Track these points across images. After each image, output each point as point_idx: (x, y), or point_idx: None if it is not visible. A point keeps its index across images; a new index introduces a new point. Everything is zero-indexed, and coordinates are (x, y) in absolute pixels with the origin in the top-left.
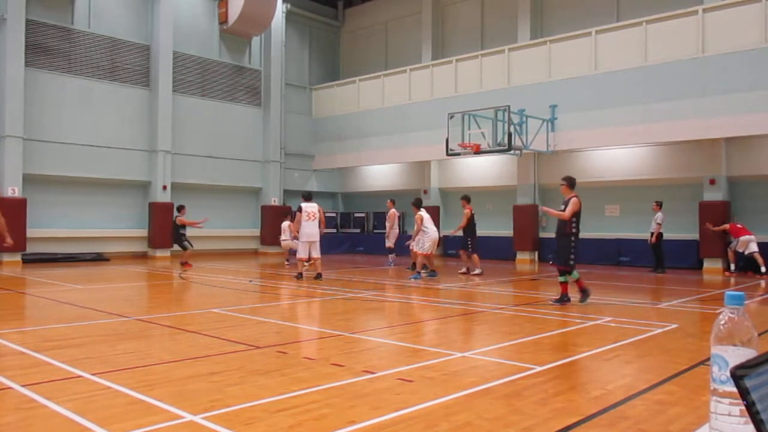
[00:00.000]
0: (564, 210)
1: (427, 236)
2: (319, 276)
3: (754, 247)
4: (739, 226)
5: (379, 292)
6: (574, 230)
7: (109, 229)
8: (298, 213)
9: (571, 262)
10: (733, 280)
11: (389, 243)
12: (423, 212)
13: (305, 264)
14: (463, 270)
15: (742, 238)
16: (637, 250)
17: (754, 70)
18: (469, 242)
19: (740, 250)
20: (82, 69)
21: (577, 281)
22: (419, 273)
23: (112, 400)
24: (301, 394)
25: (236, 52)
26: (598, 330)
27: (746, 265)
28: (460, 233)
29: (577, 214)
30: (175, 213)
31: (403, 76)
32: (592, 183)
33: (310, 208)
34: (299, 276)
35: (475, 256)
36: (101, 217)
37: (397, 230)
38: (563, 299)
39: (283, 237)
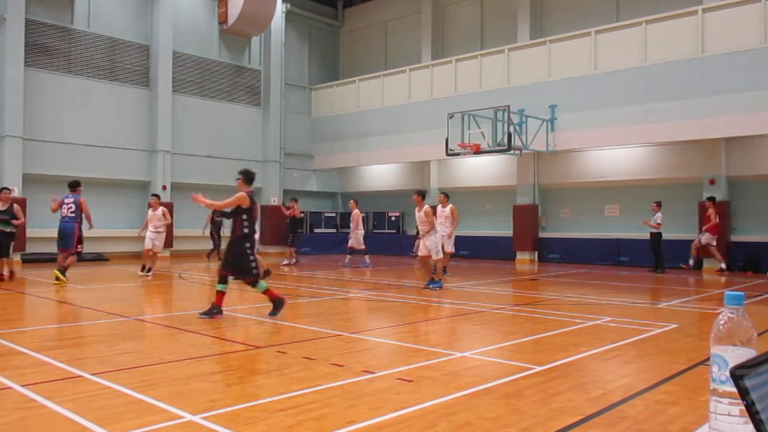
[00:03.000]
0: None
1: (437, 235)
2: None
3: (713, 243)
4: (717, 221)
5: (379, 292)
6: (246, 231)
7: (109, 229)
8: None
9: (255, 271)
10: (696, 271)
11: (352, 243)
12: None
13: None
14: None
15: (708, 234)
16: (636, 250)
17: (754, 70)
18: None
19: (704, 243)
20: (82, 69)
21: (266, 291)
22: (437, 279)
23: (112, 400)
24: (300, 393)
25: (236, 51)
26: (597, 330)
27: (746, 265)
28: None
29: (248, 212)
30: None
31: (402, 76)
32: (592, 183)
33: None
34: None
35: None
36: (101, 217)
37: (362, 230)
38: (213, 311)
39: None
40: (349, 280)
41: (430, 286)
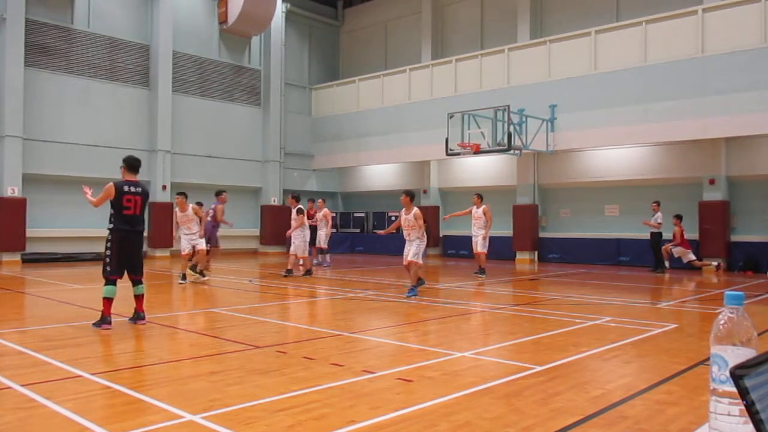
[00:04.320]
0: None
1: (424, 241)
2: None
3: (690, 257)
4: (685, 237)
5: (379, 291)
6: (111, 227)
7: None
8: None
9: (108, 268)
10: (667, 276)
11: (324, 243)
12: None
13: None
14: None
15: (681, 248)
16: (636, 250)
17: (754, 70)
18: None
19: (677, 256)
20: (82, 69)
21: (105, 300)
22: (413, 287)
23: (112, 400)
24: (300, 393)
25: (236, 51)
26: (597, 330)
27: (745, 265)
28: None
29: (115, 205)
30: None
31: (402, 76)
32: (592, 183)
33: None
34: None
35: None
36: (101, 216)
37: (330, 231)
38: (103, 320)
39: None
40: (349, 280)
41: (408, 295)
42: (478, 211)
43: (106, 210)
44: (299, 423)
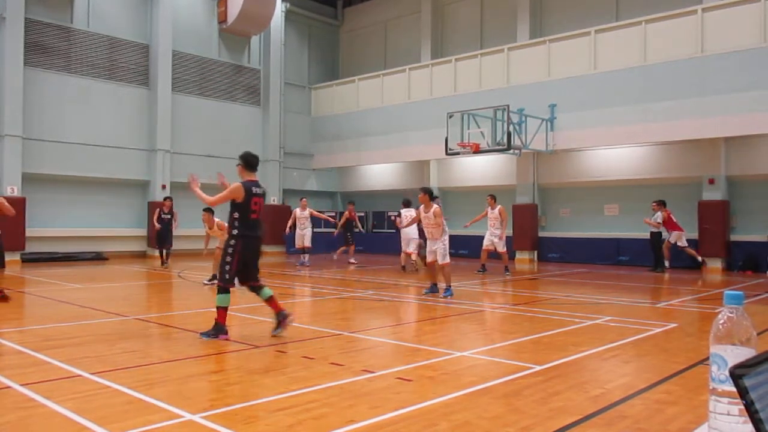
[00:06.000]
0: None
1: (446, 238)
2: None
3: (684, 242)
4: (674, 220)
5: (378, 291)
6: (236, 233)
7: (108, 228)
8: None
9: (227, 276)
10: (667, 275)
11: (306, 242)
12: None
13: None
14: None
15: (674, 232)
16: (636, 250)
17: (753, 69)
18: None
19: (673, 242)
20: (82, 68)
21: (219, 309)
22: (448, 287)
23: (111, 399)
24: (300, 393)
25: (235, 51)
26: (597, 329)
27: (745, 265)
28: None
29: (241, 208)
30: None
31: (402, 76)
32: (592, 182)
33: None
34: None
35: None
36: (100, 216)
37: (311, 231)
38: (219, 330)
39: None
40: (349, 279)
41: (445, 295)
42: (494, 212)
43: (105, 210)
44: (299, 422)
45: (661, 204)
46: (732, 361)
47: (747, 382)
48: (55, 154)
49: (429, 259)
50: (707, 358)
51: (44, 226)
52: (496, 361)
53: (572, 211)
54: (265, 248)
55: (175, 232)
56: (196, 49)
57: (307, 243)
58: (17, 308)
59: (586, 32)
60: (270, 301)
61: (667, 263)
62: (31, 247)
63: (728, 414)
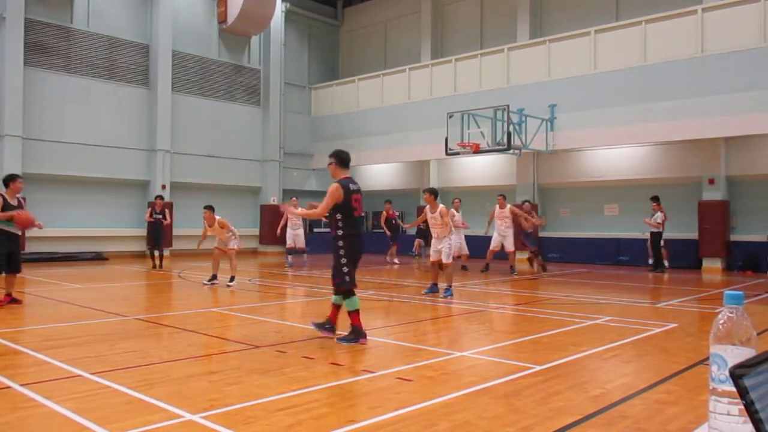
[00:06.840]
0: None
1: (453, 238)
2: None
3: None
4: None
5: (378, 291)
6: (341, 233)
7: (108, 228)
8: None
9: (347, 278)
10: (667, 275)
11: (301, 243)
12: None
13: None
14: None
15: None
16: (635, 250)
17: (753, 69)
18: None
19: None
20: (82, 68)
21: (351, 314)
22: (448, 287)
23: (111, 399)
24: (300, 393)
25: (235, 51)
26: (597, 329)
27: (745, 265)
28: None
29: (343, 208)
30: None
31: (402, 76)
32: (591, 182)
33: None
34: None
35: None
36: (100, 216)
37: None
38: (358, 334)
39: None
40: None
41: (445, 295)
42: (504, 212)
43: (105, 210)
44: (299, 422)
45: (655, 199)
46: (732, 361)
47: (747, 382)
48: (55, 154)
49: (433, 258)
50: (707, 358)
51: (44, 226)
52: (496, 361)
53: (572, 211)
54: (265, 248)
55: (175, 232)
56: (196, 49)
57: (302, 244)
58: (17, 308)
59: (586, 32)
60: (351, 313)
61: (666, 263)
62: (31, 247)
63: (728, 414)
